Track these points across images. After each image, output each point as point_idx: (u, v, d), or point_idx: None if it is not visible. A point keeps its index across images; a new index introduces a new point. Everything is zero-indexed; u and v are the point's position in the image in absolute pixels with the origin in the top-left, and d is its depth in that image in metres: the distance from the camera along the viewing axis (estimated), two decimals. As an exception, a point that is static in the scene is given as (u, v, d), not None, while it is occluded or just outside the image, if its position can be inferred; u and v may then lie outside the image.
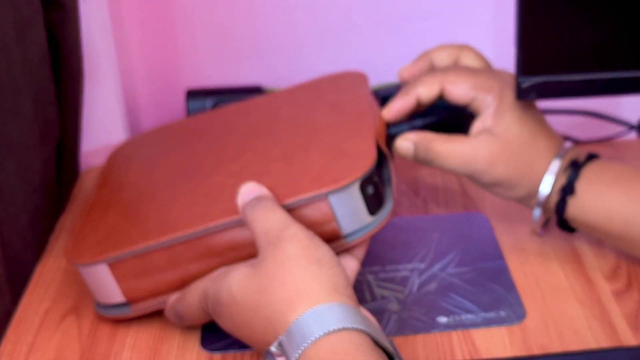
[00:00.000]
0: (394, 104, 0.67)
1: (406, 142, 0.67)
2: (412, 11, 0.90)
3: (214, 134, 0.70)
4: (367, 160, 0.58)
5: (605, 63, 0.62)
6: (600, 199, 0.63)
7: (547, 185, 0.65)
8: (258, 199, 0.57)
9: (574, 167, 0.64)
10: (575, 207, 0.64)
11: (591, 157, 0.66)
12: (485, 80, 0.65)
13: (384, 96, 0.70)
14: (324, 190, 0.57)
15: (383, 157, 0.63)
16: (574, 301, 0.64)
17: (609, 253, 0.69)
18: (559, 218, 0.66)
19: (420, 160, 0.67)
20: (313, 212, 0.57)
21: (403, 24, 0.90)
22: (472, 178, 0.67)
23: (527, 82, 0.62)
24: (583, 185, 0.64)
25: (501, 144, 0.65)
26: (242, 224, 0.57)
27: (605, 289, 0.65)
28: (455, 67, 0.68)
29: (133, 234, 0.60)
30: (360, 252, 0.60)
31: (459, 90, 0.66)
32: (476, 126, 0.66)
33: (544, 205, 0.66)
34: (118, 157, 0.73)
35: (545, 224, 0.71)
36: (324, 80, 0.74)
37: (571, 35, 0.61)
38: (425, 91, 0.66)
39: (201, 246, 0.58)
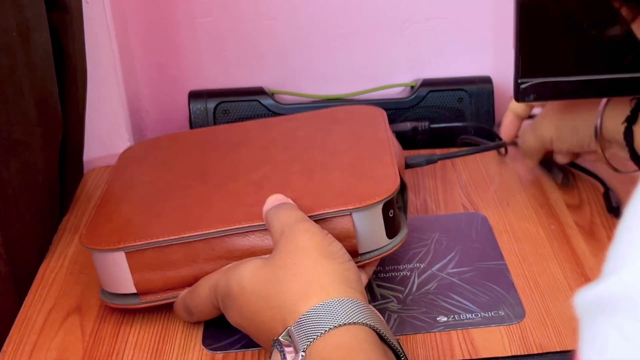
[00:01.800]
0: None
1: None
2: (412, 14, 0.90)
3: (229, 145, 0.72)
4: (391, 184, 0.61)
5: (603, 66, 0.62)
6: None
7: (599, 116, 0.68)
8: (281, 203, 0.59)
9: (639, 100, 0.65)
10: None
11: None
12: None
13: (395, 131, 0.73)
14: (350, 206, 0.59)
15: (402, 186, 0.65)
16: (572, 301, 0.64)
17: (607, 253, 0.70)
18: (631, 149, 0.67)
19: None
20: (335, 226, 0.59)
21: (404, 27, 0.91)
22: (544, 141, 0.74)
23: (526, 83, 0.62)
24: None
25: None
26: (264, 230, 0.59)
27: (604, 288, 0.66)
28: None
29: (153, 227, 0.61)
30: (371, 269, 0.62)
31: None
32: None
33: (614, 139, 0.67)
34: (129, 156, 0.75)
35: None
36: (341, 110, 0.76)
37: (569, 38, 0.62)
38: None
39: (221, 247, 0.59)
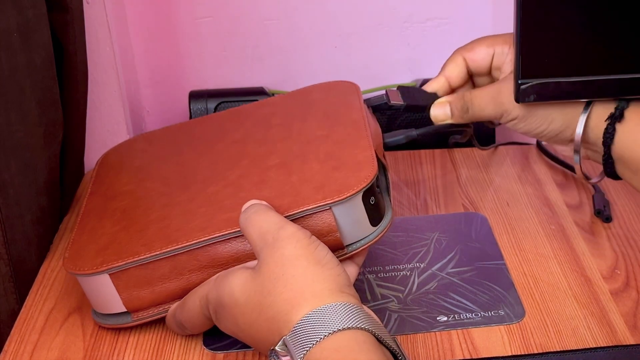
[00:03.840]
0: (428, 86, 0.70)
1: (441, 107, 0.68)
2: (412, 14, 0.90)
3: (205, 142, 0.70)
4: (369, 171, 0.58)
5: (603, 66, 0.62)
6: None
7: (586, 109, 0.62)
8: (251, 206, 0.57)
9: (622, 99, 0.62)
10: (625, 138, 0.61)
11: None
12: (499, 37, 0.68)
13: (373, 105, 0.71)
14: (328, 201, 0.57)
15: (381, 167, 0.63)
16: (572, 300, 0.65)
17: (607, 252, 0.70)
18: (606, 152, 0.62)
19: (457, 115, 0.68)
20: (316, 222, 0.57)
21: (404, 27, 0.91)
22: (505, 115, 0.65)
23: (526, 84, 0.62)
24: (634, 115, 0.61)
25: None
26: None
27: (604, 288, 0.66)
28: (473, 40, 0.70)
29: (135, 244, 0.60)
30: (360, 259, 0.61)
31: (478, 54, 0.68)
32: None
33: (591, 138, 0.63)
34: (108, 163, 0.73)
35: (601, 173, 0.67)
36: (314, 89, 0.73)
37: (570, 38, 0.62)
38: (451, 67, 0.69)
39: (205, 256, 0.58)
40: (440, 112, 0.68)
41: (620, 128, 0.61)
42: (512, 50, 0.65)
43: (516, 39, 0.61)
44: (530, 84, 0.62)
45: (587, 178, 0.68)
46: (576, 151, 0.64)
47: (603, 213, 0.74)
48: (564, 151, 0.67)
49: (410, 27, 0.91)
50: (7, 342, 0.62)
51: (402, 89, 0.69)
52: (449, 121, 0.68)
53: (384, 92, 0.71)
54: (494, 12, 0.90)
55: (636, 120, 0.60)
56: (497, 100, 0.65)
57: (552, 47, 0.62)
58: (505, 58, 0.67)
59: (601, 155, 0.62)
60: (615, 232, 0.73)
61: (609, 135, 0.61)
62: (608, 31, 0.61)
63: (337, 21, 0.90)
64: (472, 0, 0.90)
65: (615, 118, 0.61)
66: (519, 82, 0.62)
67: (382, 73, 0.93)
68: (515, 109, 0.64)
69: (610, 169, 0.63)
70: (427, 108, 0.69)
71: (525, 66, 0.62)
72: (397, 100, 0.69)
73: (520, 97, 0.63)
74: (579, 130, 0.63)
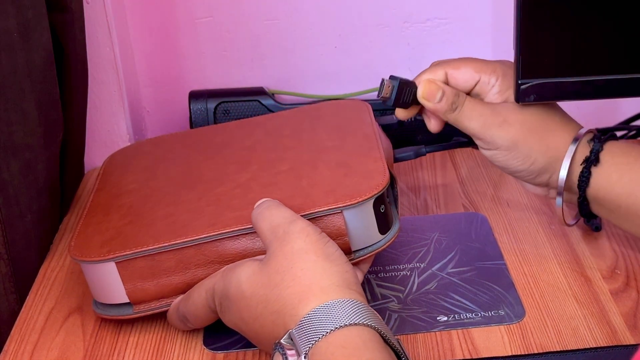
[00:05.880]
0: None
1: (435, 87, 0.64)
2: (412, 14, 0.90)
3: (212, 147, 0.71)
4: (381, 179, 0.60)
5: (603, 67, 0.62)
6: (627, 171, 0.61)
7: (569, 154, 0.63)
8: (263, 202, 0.58)
9: (597, 140, 0.63)
10: (601, 179, 0.62)
11: (612, 136, 0.64)
12: (488, 65, 0.66)
13: (382, 124, 0.71)
14: (340, 204, 0.58)
15: (391, 179, 0.64)
16: (572, 300, 0.65)
17: (607, 252, 0.70)
18: (581, 195, 0.63)
19: (444, 107, 0.64)
20: (326, 225, 0.58)
21: (404, 27, 0.91)
22: (489, 140, 0.64)
23: (526, 84, 0.62)
24: (608, 157, 0.62)
25: (518, 109, 0.64)
26: (254, 232, 0.58)
27: (604, 288, 0.66)
28: (459, 57, 0.68)
29: (142, 236, 0.60)
30: (365, 266, 0.62)
31: (463, 75, 0.65)
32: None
33: (567, 182, 0.63)
34: (114, 163, 0.73)
35: (577, 215, 0.69)
36: (325, 105, 0.74)
37: (569, 38, 0.62)
38: (431, 77, 0.65)
39: (212, 251, 0.59)
40: (431, 92, 0.64)
41: (595, 171, 0.62)
42: (500, 80, 0.65)
43: (516, 39, 0.61)
44: (530, 84, 0.62)
45: (566, 223, 0.68)
46: (559, 194, 0.65)
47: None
48: (535, 189, 0.68)
49: (410, 27, 0.91)
50: (7, 342, 0.62)
51: (399, 85, 0.66)
52: (431, 104, 0.64)
53: (393, 116, 0.71)
54: (494, 12, 0.90)
55: (610, 161, 0.62)
56: (488, 120, 0.64)
57: (552, 47, 0.62)
58: (489, 89, 0.65)
59: (576, 197, 0.64)
60: (615, 232, 0.73)
61: (584, 178, 0.63)
62: (608, 31, 0.61)
63: (337, 21, 0.90)
64: (472, 0, 0.89)
65: (591, 162, 0.62)
66: (519, 82, 0.62)
67: (382, 73, 0.92)
68: (500, 139, 0.63)
69: (585, 210, 0.65)
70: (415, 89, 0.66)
71: (525, 66, 0.62)
72: (386, 95, 0.65)
73: (520, 97, 0.63)
74: (563, 175, 0.63)
